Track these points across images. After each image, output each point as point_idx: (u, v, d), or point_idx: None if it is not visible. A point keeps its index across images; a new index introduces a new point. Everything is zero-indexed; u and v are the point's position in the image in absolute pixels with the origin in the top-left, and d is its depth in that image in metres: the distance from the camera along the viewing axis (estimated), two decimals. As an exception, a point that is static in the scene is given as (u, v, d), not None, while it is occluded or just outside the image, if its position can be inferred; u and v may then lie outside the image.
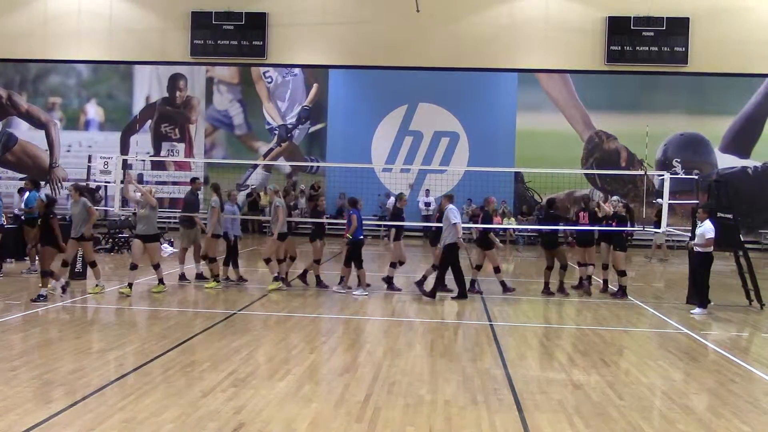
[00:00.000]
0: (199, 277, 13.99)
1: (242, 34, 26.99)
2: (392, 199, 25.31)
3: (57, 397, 6.51)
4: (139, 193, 12.40)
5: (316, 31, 26.96)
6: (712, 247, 12.03)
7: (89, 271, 12.83)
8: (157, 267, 12.41)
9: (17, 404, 6.26)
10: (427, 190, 26.23)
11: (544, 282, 13.71)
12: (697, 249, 12.12)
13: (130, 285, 12.04)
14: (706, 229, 11.94)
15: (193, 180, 15.12)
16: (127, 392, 6.68)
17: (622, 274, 13.42)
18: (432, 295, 12.71)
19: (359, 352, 8.64)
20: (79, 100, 28.86)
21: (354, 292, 12.88)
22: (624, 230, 13.73)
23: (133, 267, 12.08)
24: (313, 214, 14.40)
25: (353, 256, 12.92)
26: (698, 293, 12.23)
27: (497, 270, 13.73)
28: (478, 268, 13.83)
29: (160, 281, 12.53)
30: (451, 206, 12.78)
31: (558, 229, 14.11)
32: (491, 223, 14.06)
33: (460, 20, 26.58)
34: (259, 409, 6.31)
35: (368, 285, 13.19)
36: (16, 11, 27.84)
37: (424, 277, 13.56)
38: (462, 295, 12.76)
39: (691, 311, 12.06)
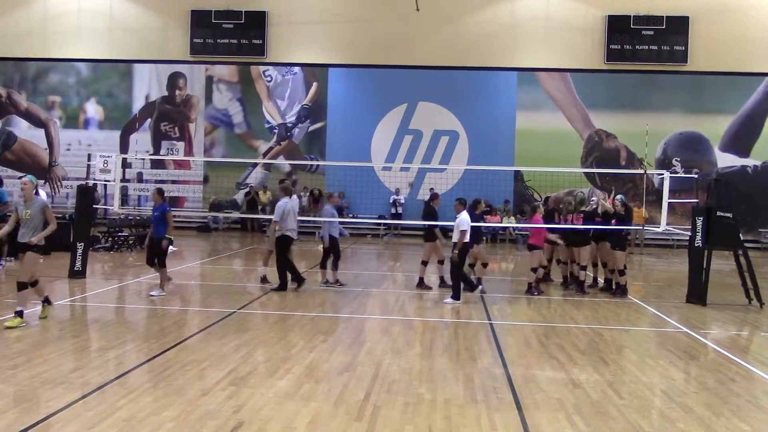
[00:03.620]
0: (263, 280, 13.53)
1: (242, 32, 26.96)
2: (401, 196, 25.69)
3: (56, 395, 6.50)
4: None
5: (315, 29, 26.94)
6: (468, 239, 12.14)
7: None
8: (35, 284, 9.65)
9: (17, 402, 6.26)
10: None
11: (565, 275, 14.07)
12: (453, 240, 12.20)
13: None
14: (461, 220, 12.12)
15: (282, 180, 14.32)
16: (126, 391, 6.68)
17: (621, 273, 13.43)
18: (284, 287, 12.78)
19: (359, 351, 8.63)
20: (78, 98, 28.83)
21: (152, 292, 12.08)
22: (623, 228, 13.72)
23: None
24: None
25: (162, 255, 12.22)
26: (456, 284, 12.23)
27: (441, 262, 13.61)
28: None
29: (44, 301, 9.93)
30: (283, 199, 12.98)
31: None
32: (553, 222, 13.99)
33: (459, 19, 26.57)
34: (258, 408, 6.31)
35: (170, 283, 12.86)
36: (15, 10, 27.81)
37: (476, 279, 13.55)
38: (282, 287, 12.78)
39: (444, 300, 12.13)
